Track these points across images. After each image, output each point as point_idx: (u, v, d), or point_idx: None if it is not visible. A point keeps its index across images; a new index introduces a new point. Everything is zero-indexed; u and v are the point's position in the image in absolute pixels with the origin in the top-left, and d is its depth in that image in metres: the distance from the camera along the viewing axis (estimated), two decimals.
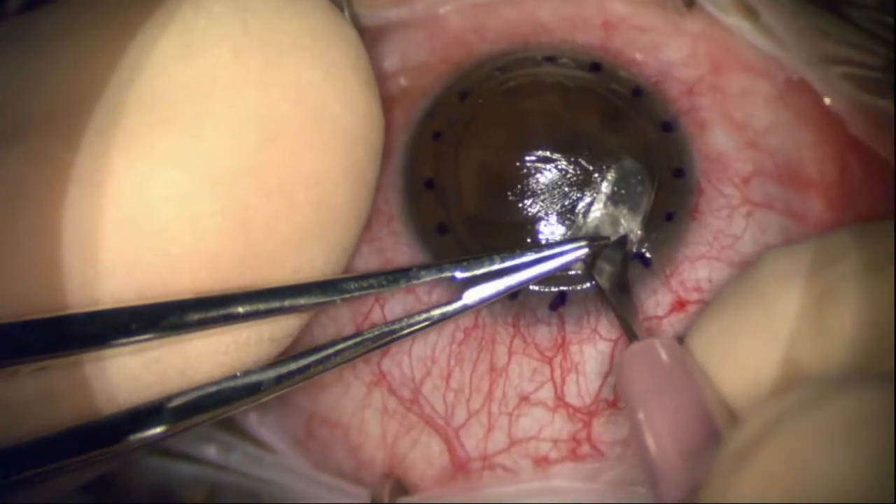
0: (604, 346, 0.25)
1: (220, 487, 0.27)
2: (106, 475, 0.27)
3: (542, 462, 0.26)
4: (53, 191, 0.20)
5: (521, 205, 0.26)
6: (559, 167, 0.26)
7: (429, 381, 0.26)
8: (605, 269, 0.25)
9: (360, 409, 0.27)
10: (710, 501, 0.17)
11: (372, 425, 0.27)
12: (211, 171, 0.21)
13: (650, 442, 0.21)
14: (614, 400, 0.25)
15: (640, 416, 0.21)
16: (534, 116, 0.27)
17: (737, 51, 0.28)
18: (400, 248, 0.27)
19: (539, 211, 0.26)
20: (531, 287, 0.26)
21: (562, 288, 0.26)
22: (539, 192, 0.26)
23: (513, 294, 0.26)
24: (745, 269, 0.24)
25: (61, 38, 0.22)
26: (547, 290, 0.26)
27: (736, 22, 0.27)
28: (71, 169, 0.20)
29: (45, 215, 0.20)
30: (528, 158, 0.26)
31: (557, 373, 0.26)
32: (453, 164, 0.27)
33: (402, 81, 0.29)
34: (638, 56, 0.28)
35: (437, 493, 0.26)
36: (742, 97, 0.27)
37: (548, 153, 0.26)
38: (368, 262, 0.27)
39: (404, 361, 0.26)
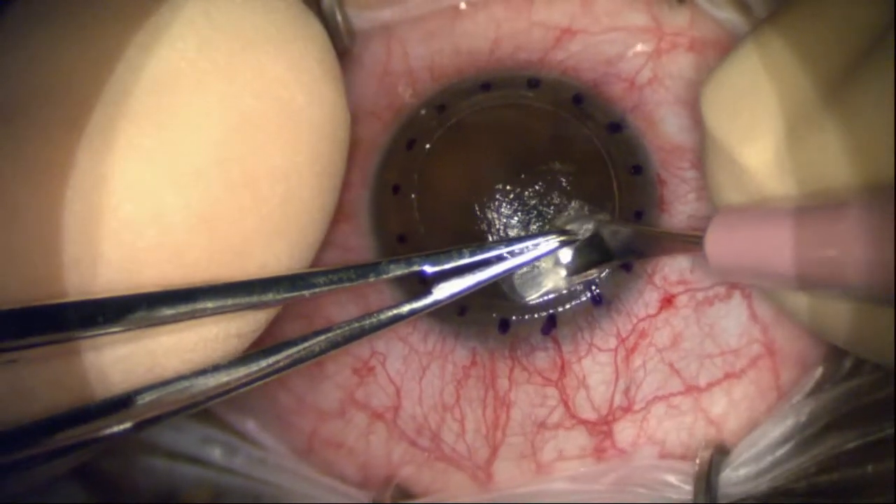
0: (604, 358, 0.26)
1: (224, 489, 0.28)
2: (111, 476, 0.27)
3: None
4: (18, 183, 0.20)
5: (493, 239, 0.26)
6: (518, 195, 0.26)
7: (445, 427, 0.26)
8: (621, 235, 0.25)
9: (363, 436, 0.27)
10: None
11: (378, 449, 0.27)
12: (175, 164, 0.21)
13: (777, 263, 0.20)
14: (629, 405, 0.26)
15: (784, 260, 0.20)
16: (482, 150, 0.27)
17: (717, 39, 0.28)
18: (385, 301, 0.27)
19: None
20: (520, 317, 0.26)
21: (550, 311, 0.26)
22: (506, 223, 0.26)
23: (504, 327, 0.26)
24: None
25: (29, 31, 0.22)
26: (536, 316, 0.26)
27: (727, 16, 0.27)
28: (36, 162, 0.20)
29: (9, 208, 0.20)
30: (486, 195, 0.26)
31: (565, 393, 0.26)
32: (418, 215, 0.27)
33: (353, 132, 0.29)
34: (575, 62, 0.28)
35: (440, 497, 0.26)
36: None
37: (507, 184, 0.26)
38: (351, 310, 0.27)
39: (417, 411, 0.27)
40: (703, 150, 0.24)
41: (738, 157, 0.22)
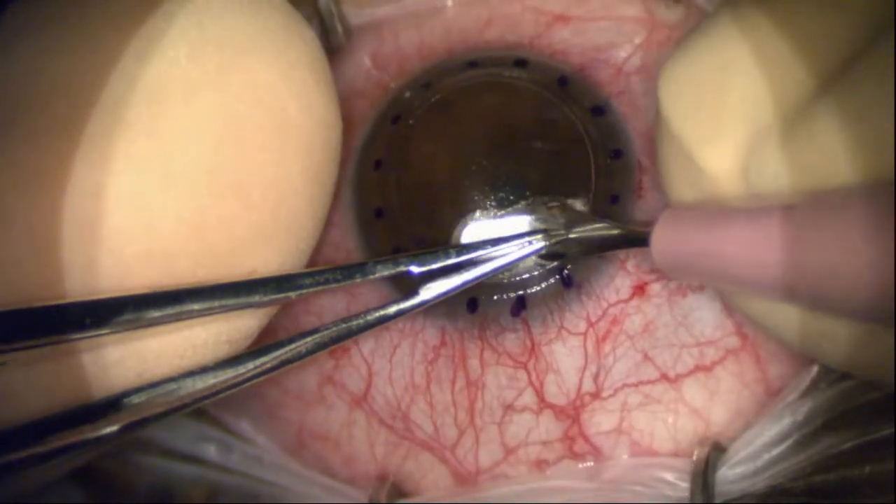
0: (574, 341, 0.25)
1: (220, 487, 0.28)
2: (106, 475, 0.28)
3: (541, 465, 0.26)
4: (12, 190, 0.20)
5: (470, 218, 0.26)
6: (499, 173, 0.26)
7: (415, 407, 0.26)
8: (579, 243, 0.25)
9: (345, 426, 0.27)
10: None
11: (361, 443, 0.27)
12: (167, 172, 0.21)
13: (754, 266, 0.19)
14: (597, 391, 0.25)
15: (727, 256, 0.19)
16: (464, 126, 0.27)
17: None
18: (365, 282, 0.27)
19: (490, 220, 0.26)
20: (489, 297, 0.26)
21: (519, 293, 0.26)
22: (485, 201, 0.26)
23: (472, 306, 0.26)
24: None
25: (23, 39, 0.22)
26: (505, 296, 0.26)
27: None
28: (30, 169, 0.21)
29: (3, 214, 0.20)
30: (466, 171, 0.26)
31: (534, 376, 0.25)
32: (396, 189, 0.27)
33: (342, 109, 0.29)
34: (564, 46, 0.28)
35: (434, 496, 0.26)
36: None
37: (485, 161, 0.26)
38: (335, 300, 0.27)
39: (388, 391, 0.27)
40: (657, 137, 0.23)
41: (697, 158, 0.21)
